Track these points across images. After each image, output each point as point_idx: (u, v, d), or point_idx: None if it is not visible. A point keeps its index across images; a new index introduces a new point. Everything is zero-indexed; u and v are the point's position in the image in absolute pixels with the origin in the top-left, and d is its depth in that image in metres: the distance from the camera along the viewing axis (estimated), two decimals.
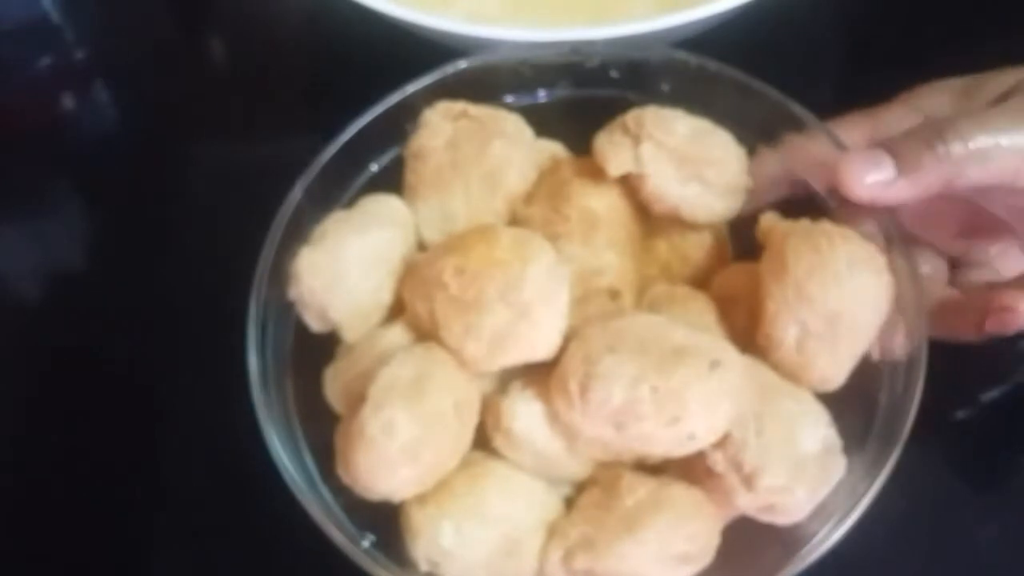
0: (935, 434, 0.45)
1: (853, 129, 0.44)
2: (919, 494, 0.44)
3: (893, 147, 0.39)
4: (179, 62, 0.64)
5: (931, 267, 0.46)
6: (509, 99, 0.46)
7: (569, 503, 0.38)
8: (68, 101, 0.64)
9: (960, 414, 0.46)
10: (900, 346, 0.38)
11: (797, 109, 0.43)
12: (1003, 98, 0.41)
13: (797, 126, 0.43)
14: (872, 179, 0.39)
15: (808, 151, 0.42)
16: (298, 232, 0.41)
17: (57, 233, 0.58)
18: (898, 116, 0.44)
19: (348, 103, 0.44)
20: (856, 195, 0.39)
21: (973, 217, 0.45)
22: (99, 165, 0.60)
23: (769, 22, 0.51)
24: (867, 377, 0.39)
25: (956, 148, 0.38)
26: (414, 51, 0.49)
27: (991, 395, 0.47)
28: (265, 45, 0.63)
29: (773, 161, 0.43)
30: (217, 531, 0.47)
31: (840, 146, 0.41)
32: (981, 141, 0.39)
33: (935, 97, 0.45)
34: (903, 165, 0.39)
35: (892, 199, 0.39)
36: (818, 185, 0.42)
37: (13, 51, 0.64)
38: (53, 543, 0.48)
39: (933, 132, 0.39)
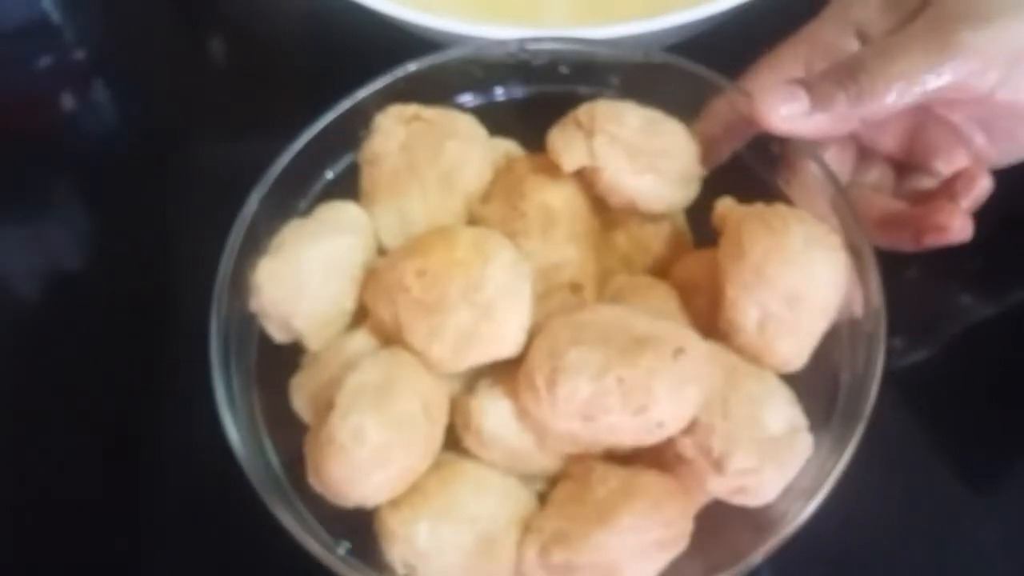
0: (935, 434, 0.46)
1: (791, 56, 0.45)
2: (919, 494, 0.45)
3: (809, 84, 0.41)
4: (179, 62, 0.64)
5: (877, 176, 0.48)
6: (462, 99, 0.46)
7: (543, 498, 0.38)
8: (68, 101, 0.64)
9: (961, 414, 0.47)
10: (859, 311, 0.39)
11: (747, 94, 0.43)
12: (922, 7, 0.42)
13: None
14: (787, 111, 0.40)
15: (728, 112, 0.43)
16: (256, 243, 0.41)
17: (57, 233, 0.58)
18: (832, 33, 0.45)
19: None
20: (772, 126, 0.40)
21: (917, 123, 0.46)
22: (99, 165, 0.60)
23: (767, 23, 0.51)
24: (829, 356, 0.39)
25: (866, 86, 0.40)
26: (415, 51, 0.48)
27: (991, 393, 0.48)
28: (265, 45, 0.63)
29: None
30: (195, 543, 0.47)
31: None
32: (890, 75, 0.40)
33: (863, 9, 0.45)
34: (817, 101, 0.40)
35: (808, 132, 0.41)
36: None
37: (13, 51, 0.64)
38: (52, 541, 0.48)
39: (845, 72, 0.40)
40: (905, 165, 0.47)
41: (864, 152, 0.48)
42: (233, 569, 0.46)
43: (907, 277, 0.47)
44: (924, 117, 0.45)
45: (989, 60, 0.40)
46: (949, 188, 0.44)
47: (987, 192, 0.44)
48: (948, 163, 0.46)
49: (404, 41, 0.51)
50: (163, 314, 0.52)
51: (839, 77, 0.40)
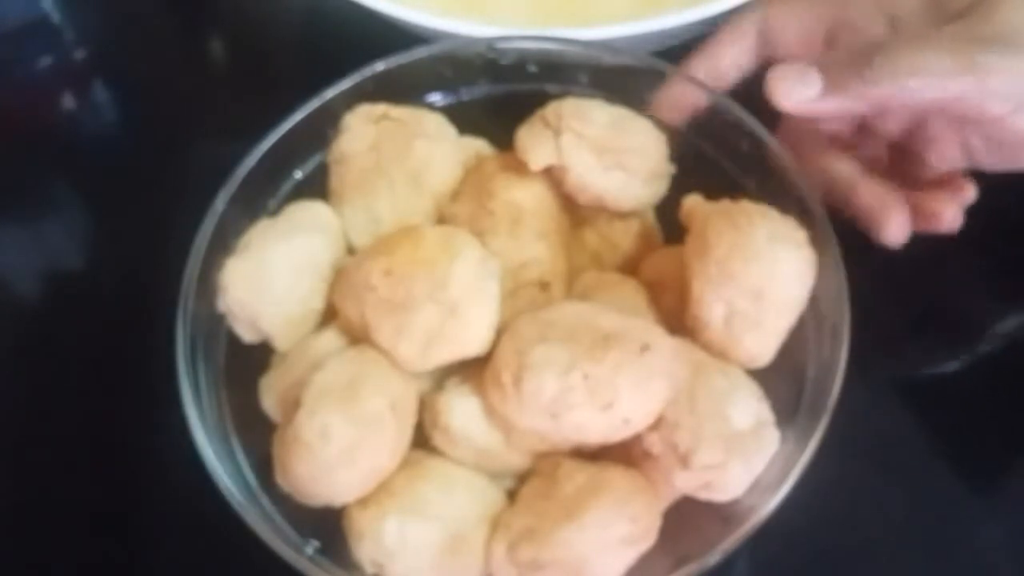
0: (935, 435, 0.46)
1: (810, 13, 0.44)
2: (919, 494, 0.45)
3: (824, 66, 0.40)
4: (179, 62, 0.64)
5: (872, 152, 0.46)
6: (431, 99, 0.46)
7: (513, 496, 0.38)
8: (68, 101, 0.64)
9: (961, 414, 0.47)
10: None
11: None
12: (968, 10, 0.41)
13: (715, 109, 0.43)
14: (798, 95, 0.40)
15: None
16: (225, 244, 0.41)
17: (57, 233, 0.58)
18: (862, 14, 0.44)
19: None
20: (782, 107, 0.40)
21: (923, 117, 0.45)
22: (99, 165, 0.60)
23: None
24: (796, 350, 0.39)
25: (884, 75, 0.39)
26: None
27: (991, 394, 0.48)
28: (265, 45, 0.63)
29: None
30: (191, 544, 0.47)
31: None
32: (910, 69, 0.39)
33: (906, 1, 0.44)
34: (830, 84, 0.39)
35: (816, 113, 0.40)
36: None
37: (13, 51, 0.65)
38: (52, 540, 0.48)
39: (863, 57, 0.39)
40: (900, 148, 0.46)
41: (864, 129, 0.46)
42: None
43: (907, 279, 0.47)
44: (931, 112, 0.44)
45: (1011, 87, 0.39)
46: (939, 183, 0.44)
47: (971, 199, 0.44)
48: (940, 157, 0.45)
49: (406, 40, 0.51)
50: (162, 313, 0.52)
51: (857, 60, 0.39)
